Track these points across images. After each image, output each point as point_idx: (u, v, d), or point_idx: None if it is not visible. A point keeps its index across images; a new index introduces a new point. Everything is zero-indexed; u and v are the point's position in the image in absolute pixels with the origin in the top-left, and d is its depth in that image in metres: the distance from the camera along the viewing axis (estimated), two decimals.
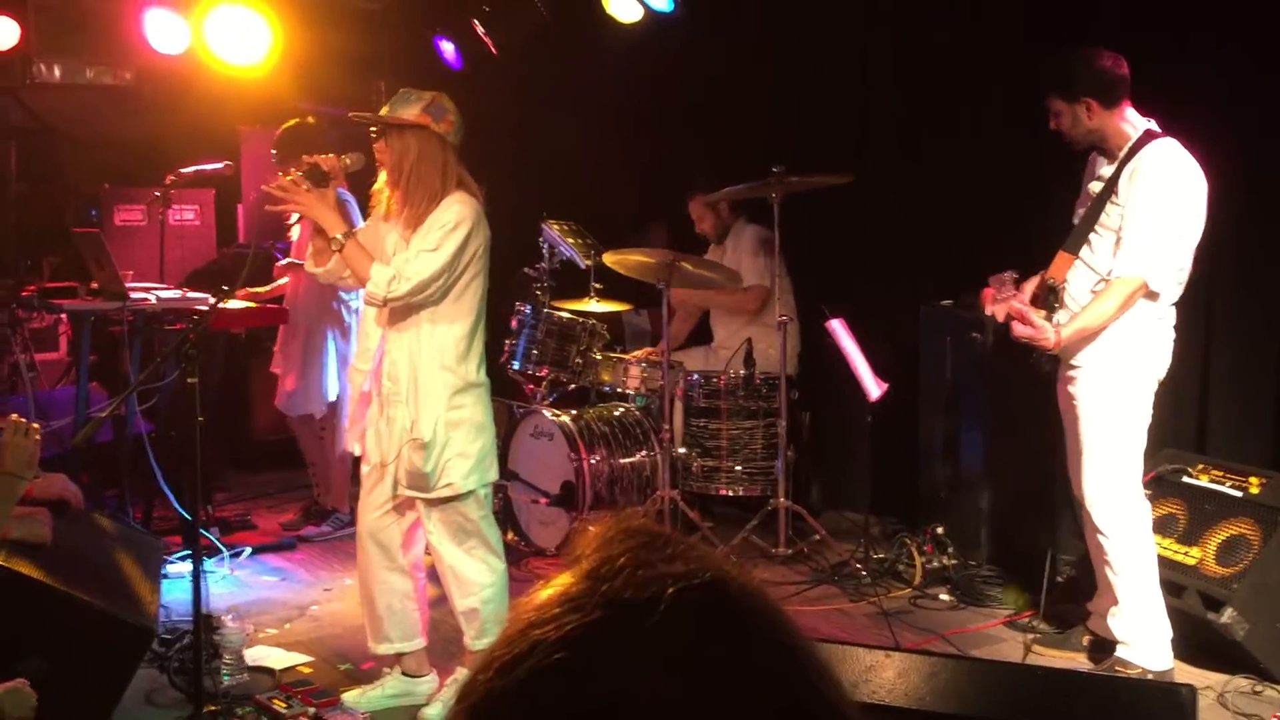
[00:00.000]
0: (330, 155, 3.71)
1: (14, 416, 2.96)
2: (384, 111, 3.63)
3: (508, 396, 5.79)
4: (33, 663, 3.24)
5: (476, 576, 3.70)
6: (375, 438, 3.69)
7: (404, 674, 3.82)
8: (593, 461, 5.32)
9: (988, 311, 3.75)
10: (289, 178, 3.62)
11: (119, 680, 3.46)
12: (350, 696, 3.77)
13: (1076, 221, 3.89)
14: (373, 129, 3.78)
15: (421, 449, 3.57)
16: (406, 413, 3.59)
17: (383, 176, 3.72)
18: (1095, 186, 3.82)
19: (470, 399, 3.67)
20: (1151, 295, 3.67)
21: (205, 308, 5.08)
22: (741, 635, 0.77)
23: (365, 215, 3.99)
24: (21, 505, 3.38)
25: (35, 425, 3.04)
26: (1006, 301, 3.64)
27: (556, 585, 0.79)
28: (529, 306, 5.51)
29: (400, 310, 3.59)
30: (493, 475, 3.80)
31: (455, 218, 3.55)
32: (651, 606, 0.75)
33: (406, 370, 3.60)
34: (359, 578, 3.87)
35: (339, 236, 3.57)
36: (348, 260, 3.59)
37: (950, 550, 4.91)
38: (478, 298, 3.68)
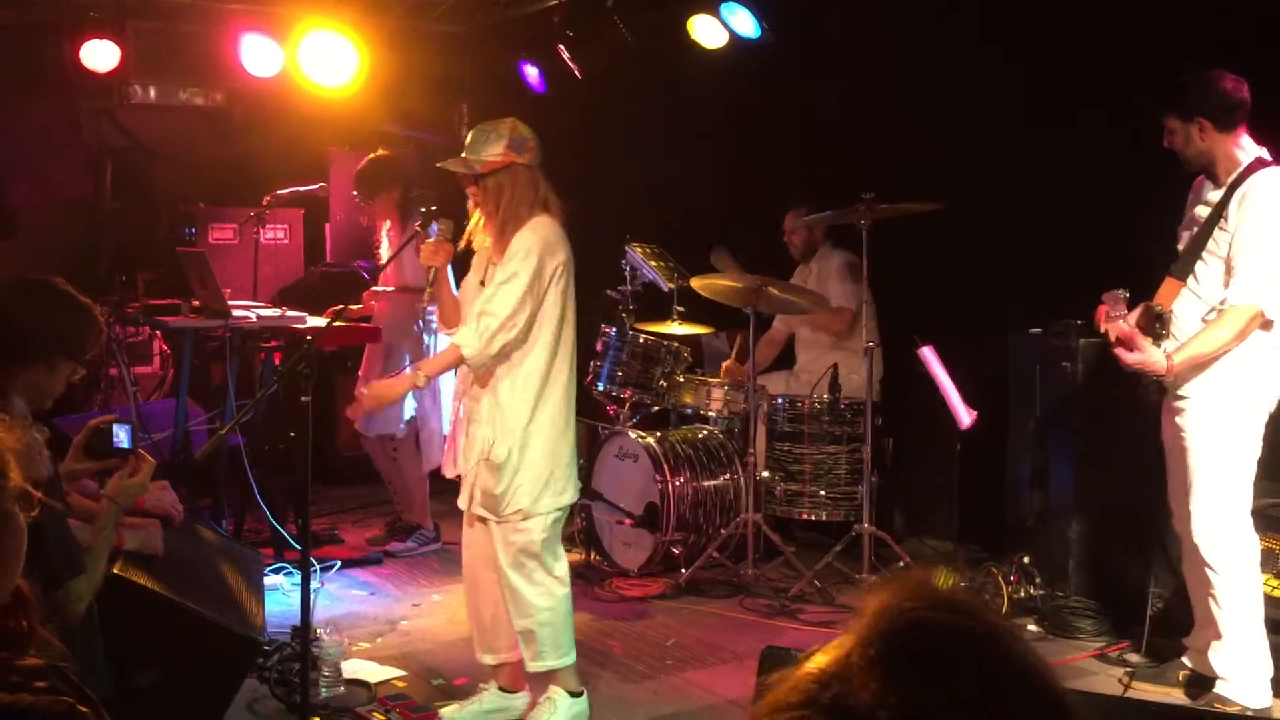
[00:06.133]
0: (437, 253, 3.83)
1: (149, 459, 3.10)
2: (466, 154, 3.65)
3: (591, 417, 5.86)
4: (147, 672, 3.35)
5: (534, 599, 3.70)
6: (462, 454, 3.76)
7: (500, 689, 3.86)
8: (677, 484, 5.35)
9: (1101, 329, 3.71)
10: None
11: (227, 690, 3.54)
12: (448, 712, 3.82)
13: (1181, 246, 3.86)
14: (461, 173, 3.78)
15: (495, 470, 3.62)
16: (486, 433, 3.66)
17: (476, 217, 3.77)
18: (1202, 211, 3.78)
19: (548, 422, 3.68)
20: (1266, 324, 3.63)
21: (302, 326, 5.20)
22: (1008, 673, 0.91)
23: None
24: (133, 515, 3.49)
25: (149, 467, 3.15)
26: (1117, 321, 3.61)
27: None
28: (614, 329, 5.57)
29: None
30: (566, 499, 3.78)
31: (523, 245, 3.61)
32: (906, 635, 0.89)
33: (488, 391, 3.67)
34: (466, 590, 3.91)
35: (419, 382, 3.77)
36: (441, 369, 3.80)
37: (1037, 581, 4.87)
38: (558, 319, 3.68)
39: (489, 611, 3.82)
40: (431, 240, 3.81)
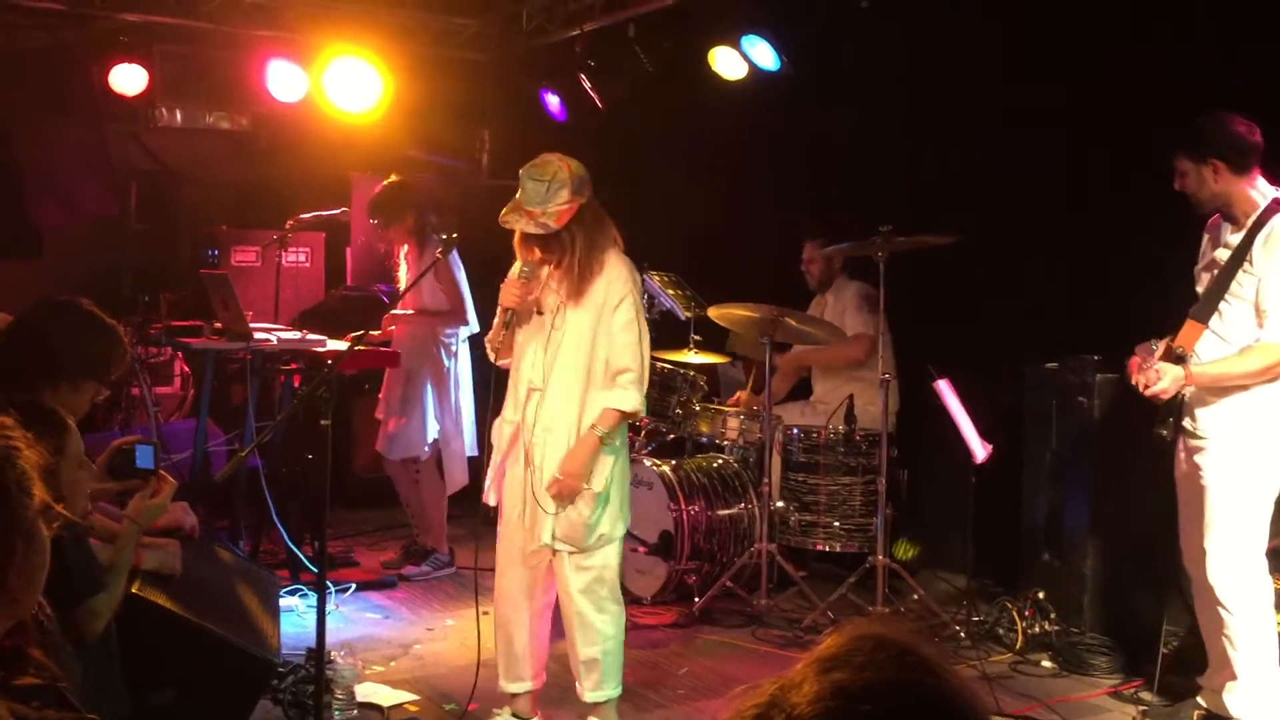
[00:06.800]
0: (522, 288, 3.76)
1: (170, 480, 3.14)
2: (529, 206, 3.58)
3: None
4: (163, 691, 3.37)
5: (603, 627, 3.72)
6: (523, 485, 3.73)
7: (514, 714, 3.86)
8: (691, 512, 5.36)
9: (1133, 381, 3.75)
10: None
11: (242, 711, 3.56)
12: None
13: (1199, 287, 3.87)
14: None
15: (591, 499, 3.65)
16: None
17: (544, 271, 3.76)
18: (1222, 254, 3.79)
19: (623, 445, 3.76)
20: None
21: (323, 349, 5.24)
22: None
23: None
24: (151, 535, 3.52)
25: (170, 488, 3.20)
26: (1149, 372, 3.66)
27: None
28: None
29: (568, 361, 3.66)
30: (629, 521, 3.87)
31: (624, 288, 3.65)
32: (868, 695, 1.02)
33: (571, 419, 3.65)
34: (499, 618, 3.89)
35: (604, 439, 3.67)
36: (615, 425, 3.67)
37: (1052, 616, 4.86)
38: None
39: (521, 641, 3.82)
40: (517, 280, 3.73)
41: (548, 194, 3.56)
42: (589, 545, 3.68)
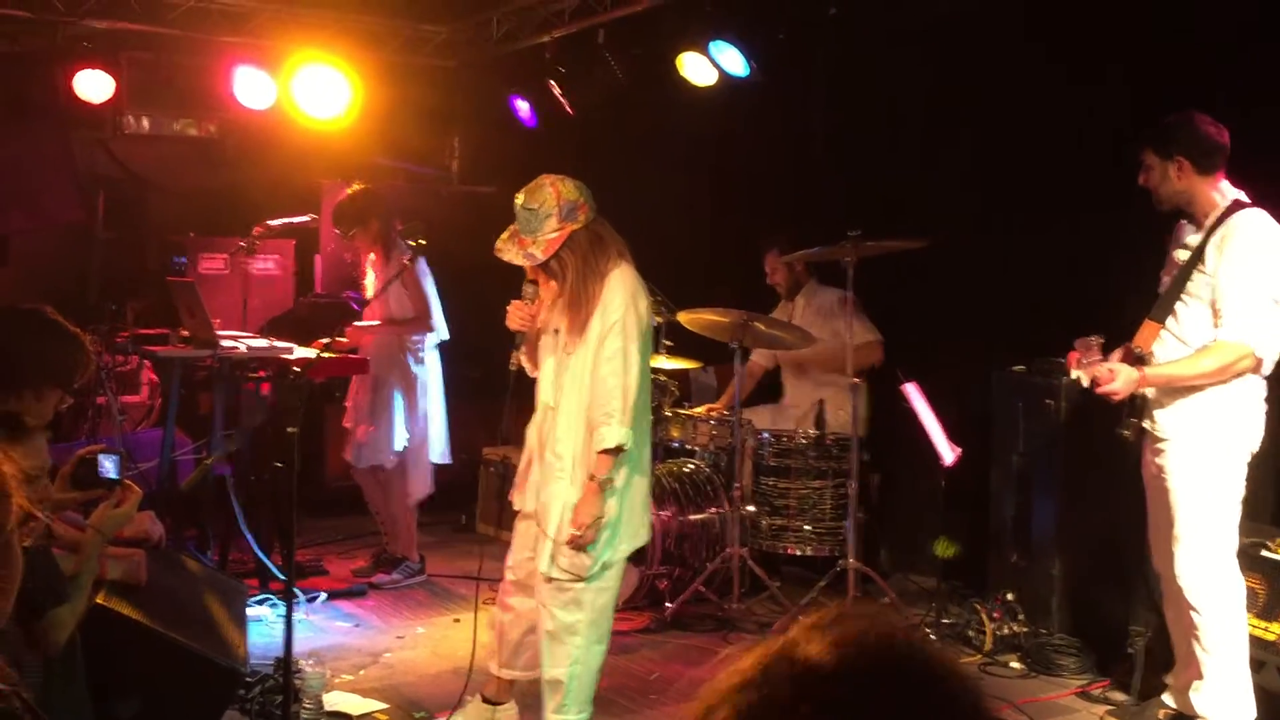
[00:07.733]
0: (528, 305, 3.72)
1: (135, 489, 3.11)
2: (522, 234, 3.55)
3: None
4: (129, 702, 3.34)
5: (574, 649, 3.62)
6: (533, 495, 3.70)
7: (485, 698, 3.82)
8: (663, 517, 5.36)
9: (1073, 375, 3.76)
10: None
11: None
12: None
13: (1162, 290, 3.90)
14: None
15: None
16: (573, 493, 3.57)
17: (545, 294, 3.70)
18: (1181, 254, 3.81)
19: (626, 469, 3.62)
20: (1255, 365, 3.63)
21: (290, 356, 5.21)
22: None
23: None
24: (117, 545, 3.49)
25: (135, 497, 3.16)
26: (1093, 366, 3.65)
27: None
28: None
29: (571, 390, 3.59)
30: (643, 538, 3.75)
31: (615, 314, 3.52)
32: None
33: (572, 446, 3.59)
34: (499, 610, 3.86)
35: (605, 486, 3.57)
36: (611, 467, 3.55)
37: (1021, 617, 4.89)
38: (643, 367, 3.62)
39: (517, 634, 3.80)
40: (520, 303, 3.70)
41: (535, 223, 3.52)
42: (591, 571, 3.59)
